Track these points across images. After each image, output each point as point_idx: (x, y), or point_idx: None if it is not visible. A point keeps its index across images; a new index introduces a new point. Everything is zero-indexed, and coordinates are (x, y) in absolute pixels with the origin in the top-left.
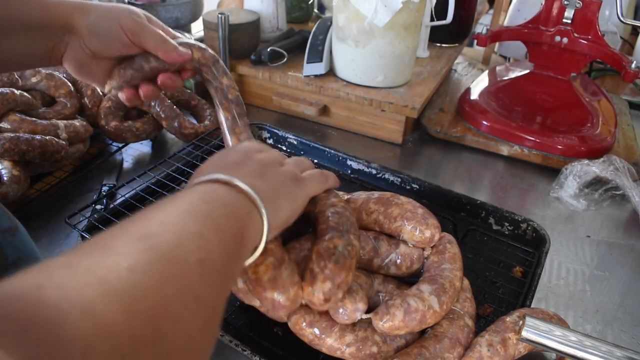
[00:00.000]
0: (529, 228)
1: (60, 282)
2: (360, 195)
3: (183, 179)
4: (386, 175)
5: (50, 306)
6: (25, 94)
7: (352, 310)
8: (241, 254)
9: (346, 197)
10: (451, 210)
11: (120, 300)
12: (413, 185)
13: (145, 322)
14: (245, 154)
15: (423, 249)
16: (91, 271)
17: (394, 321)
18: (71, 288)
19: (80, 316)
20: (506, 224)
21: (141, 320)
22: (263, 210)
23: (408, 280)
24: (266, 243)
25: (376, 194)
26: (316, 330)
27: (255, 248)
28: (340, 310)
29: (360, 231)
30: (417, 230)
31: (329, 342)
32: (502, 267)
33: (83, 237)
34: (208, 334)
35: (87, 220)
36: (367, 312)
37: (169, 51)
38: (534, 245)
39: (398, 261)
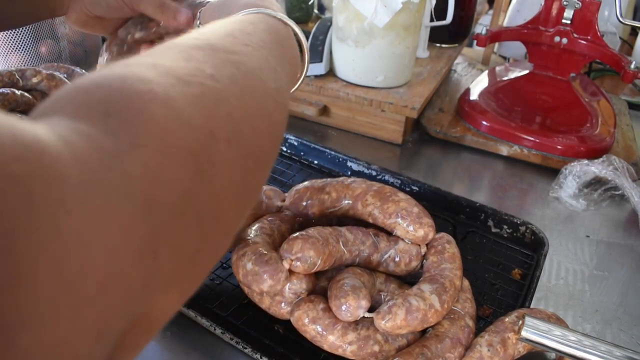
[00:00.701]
0: (528, 231)
1: (143, 77)
2: (361, 185)
3: None
4: (386, 177)
5: (133, 94)
6: (26, 94)
7: (355, 307)
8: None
9: (347, 181)
10: (450, 212)
11: (202, 101)
12: (412, 187)
13: (226, 124)
14: None
15: (420, 247)
16: (174, 72)
17: (396, 320)
18: (155, 84)
19: (163, 106)
20: (505, 226)
21: (222, 121)
22: (304, 42)
23: (409, 280)
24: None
25: (376, 186)
26: (318, 327)
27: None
28: (344, 307)
29: (360, 227)
30: (411, 228)
31: (331, 340)
32: (501, 269)
33: None
34: (273, 157)
35: None
36: (369, 311)
37: (168, 17)
38: (532, 247)
39: (397, 258)
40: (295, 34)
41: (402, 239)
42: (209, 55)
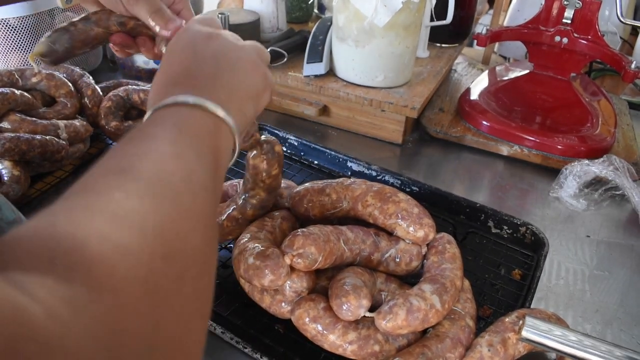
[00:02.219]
0: (528, 231)
1: (68, 217)
2: (361, 186)
3: None
4: (386, 177)
5: (68, 237)
6: (25, 93)
7: (356, 306)
8: (220, 165)
9: (347, 182)
10: (451, 213)
11: (128, 224)
12: (413, 187)
13: (157, 238)
14: (194, 47)
15: (420, 247)
16: (89, 207)
17: (397, 320)
18: (81, 221)
19: (98, 241)
20: (505, 227)
21: (153, 238)
22: (232, 127)
23: (409, 280)
24: (239, 145)
25: (376, 186)
26: (319, 326)
27: (233, 151)
28: (344, 307)
29: (361, 227)
30: (411, 228)
31: (332, 339)
32: (502, 269)
33: None
34: (212, 247)
35: None
36: (370, 310)
37: (160, 24)
38: (533, 248)
39: (397, 258)
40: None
41: (403, 239)
42: (111, 181)
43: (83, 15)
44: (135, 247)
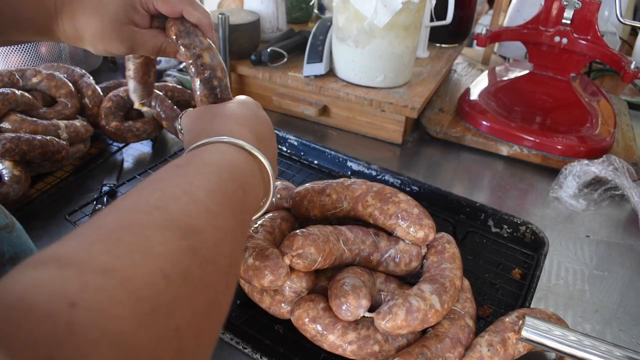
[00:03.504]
0: (528, 231)
1: (92, 300)
2: (361, 186)
3: None
4: (386, 177)
5: (79, 333)
6: (26, 94)
7: (355, 306)
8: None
9: (347, 183)
10: (450, 212)
11: (152, 321)
12: (412, 187)
13: (172, 341)
14: (250, 108)
15: (420, 247)
16: (126, 283)
17: (396, 320)
18: (103, 309)
19: (109, 349)
20: (505, 226)
21: (168, 341)
22: (270, 173)
23: (409, 280)
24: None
25: (377, 186)
26: (319, 327)
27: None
28: (344, 307)
29: (361, 227)
30: (412, 229)
31: (331, 339)
32: (501, 269)
33: None
34: (214, 343)
35: (87, 217)
36: (369, 310)
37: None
38: (532, 247)
39: (397, 258)
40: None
41: (403, 240)
42: (166, 241)
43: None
44: (145, 354)
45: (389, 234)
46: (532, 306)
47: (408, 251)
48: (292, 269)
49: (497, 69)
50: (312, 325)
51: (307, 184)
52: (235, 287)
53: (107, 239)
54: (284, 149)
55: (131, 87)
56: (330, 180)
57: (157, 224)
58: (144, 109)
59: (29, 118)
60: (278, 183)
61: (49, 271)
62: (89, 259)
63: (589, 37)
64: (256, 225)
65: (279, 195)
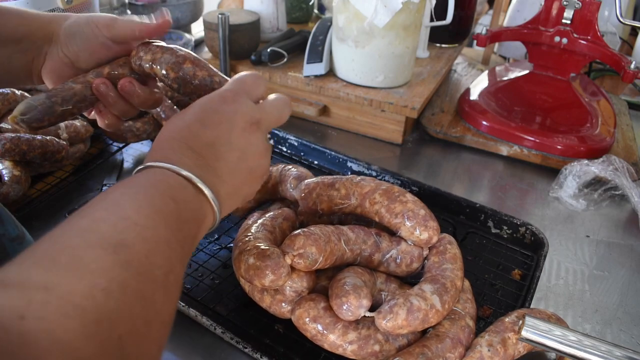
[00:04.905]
0: (528, 232)
1: (40, 311)
2: (370, 183)
3: None
4: (386, 177)
5: (31, 343)
6: (25, 94)
7: (356, 306)
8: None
9: (356, 179)
10: (450, 213)
11: (96, 331)
12: (413, 187)
13: (116, 350)
14: (230, 129)
15: (422, 248)
16: (69, 297)
17: (397, 320)
18: (51, 321)
19: (59, 355)
20: (505, 227)
21: (112, 350)
22: (217, 217)
23: (410, 280)
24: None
25: (385, 185)
26: (319, 326)
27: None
28: (345, 307)
29: (363, 227)
30: (416, 230)
31: (332, 339)
32: (501, 269)
33: None
34: (161, 350)
35: None
36: (370, 310)
37: (147, 26)
38: (532, 248)
39: (398, 259)
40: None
41: (405, 240)
42: (99, 258)
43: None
44: (90, 354)
45: (392, 234)
46: (532, 306)
47: (410, 252)
48: (293, 269)
49: (497, 69)
50: (312, 324)
51: (317, 178)
52: (177, 296)
53: (42, 261)
54: (284, 149)
55: (35, 98)
56: (339, 176)
57: (88, 244)
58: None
59: None
60: (293, 171)
61: None
62: (28, 279)
63: (589, 37)
64: (257, 225)
65: (291, 185)
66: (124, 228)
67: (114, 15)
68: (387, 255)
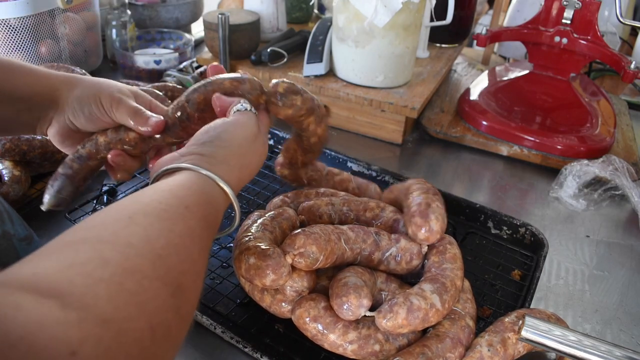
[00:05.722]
0: (528, 232)
1: (91, 351)
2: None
3: None
4: (386, 178)
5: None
6: None
7: (356, 305)
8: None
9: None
10: (450, 214)
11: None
12: None
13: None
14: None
15: (421, 246)
16: (121, 336)
17: (397, 319)
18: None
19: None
20: (505, 227)
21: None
22: (235, 203)
23: (410, 281)
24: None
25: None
26: (319, 326)
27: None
28: (345, 306)
29: (362, 226)
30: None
31: (332, 338)
32: (501, 270)
33: None
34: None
35: (87, 215)
36: (370, 310)
37: (139, 123)
38: (532, 249)
39: (398, 257)
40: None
41: (404, 238)
42: (159, 297)
43: (73, 152)
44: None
45: (394, 234)
46: (532, 306)
47: (409, 249)
48: (293, 268)
49: (497, 69)
50: (312, 324)
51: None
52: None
53: (110, 281)
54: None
55: (58, 186)
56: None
57: (157, 275)
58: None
59: None
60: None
61: (51, 310)
62: (94, 305)
63: (589, 37)
64: (257, 225)
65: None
66: (188, 269)
67: (123, 91)
68: (387, 254)
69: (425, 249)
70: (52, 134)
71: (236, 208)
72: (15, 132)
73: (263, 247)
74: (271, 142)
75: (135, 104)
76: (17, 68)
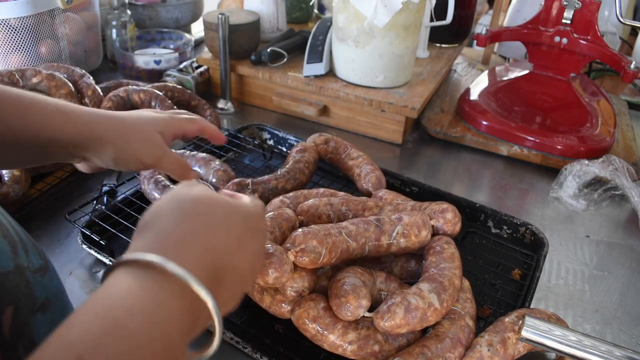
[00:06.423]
0: (528, 231)
1: None
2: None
3: None
4: (386, 178)
5: None
6: None
7: (355, 306)
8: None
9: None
10: None
11: None
12: (413, 187)
13: None
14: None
15: (424, 217)
16: None
17: (395, 319)
18: None
19: None
20: (505, 227)
21: None
22: (213, 313)
23: (410, 281)
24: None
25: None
26: (319, 326)
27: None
28: (344, 307)
29: (361, 218)
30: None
31: (331, 339)
32: (501, 269)
33: (83, 234)
34: None
35: (87, 216)
36: (370, 310)
37: (184, 176)
38: (532, 248)
39: (405, 232)
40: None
41: (406, 214)
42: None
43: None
44: None
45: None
46: (532, 306)
47: (414, 222)
48: (296, 267)
49: (497, 69)
50: (312, 324)
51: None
52: None
53: None
54: (284, 149)
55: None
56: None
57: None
58: None
59: None
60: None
61: None
62: None
63: (589, 37)
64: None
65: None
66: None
67: (158, 143)
68: (394, 234)
69: (432, 221)
70: (81, 167)
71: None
72: (37, 164)
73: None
74: (271, 142)
75: (177, 158)
76: (59, 113)
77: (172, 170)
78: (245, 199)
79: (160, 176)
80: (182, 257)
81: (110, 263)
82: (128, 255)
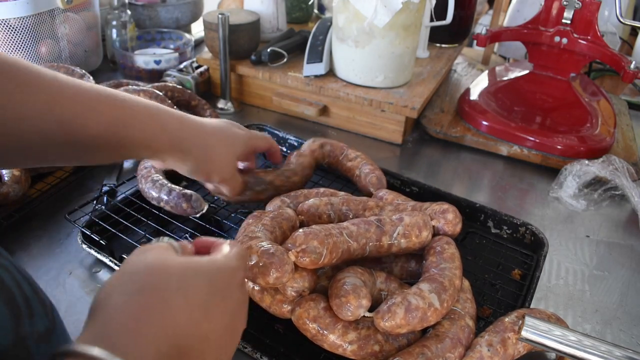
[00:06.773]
0: (528, 231)
1: None
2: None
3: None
4: (386, 178)
5: None
6: None
7: (355, 306)
8: None
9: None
10: None
11: None
12: (412, 187)
13: None
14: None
15: (425, 217)
16: None
17: (395, 319)
18: None
19: None
20: (505, 227)
21: None
22: None
23: (411, 281)
24: None
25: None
26: (319, 326)
27: None
28: (344, 307)
29: (362, 218)
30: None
31: (332, 339)
32: (501, 269)
33: (83, 234)
34: None
35: (87, 216)
36: (370, 310)
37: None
38: (532, 248)
39: (406, 233)
40: None
41: (407, 214)
42: None
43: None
44: None
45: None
46: (532, 306)
47: (415, 223)
48: (296, 267)
49: (497, 69)
50: (312, 324)
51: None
52: None
53: None
54: (284, 149)
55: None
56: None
57: None
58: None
59: None
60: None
61: None
62: None
63: (589, 37)
64: (257, 225)
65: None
66: None
67: (231, 171)
68: (395, 234)
69: (432, 221)
70: (155, 163)
71: None
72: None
73: (265, 245)
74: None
75: (233, 183)
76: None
77: (228, 190)
78: (223, 250)
79: (156, 175)
80: (131, 344)
81: (54, 354)
82: (74, 346)
